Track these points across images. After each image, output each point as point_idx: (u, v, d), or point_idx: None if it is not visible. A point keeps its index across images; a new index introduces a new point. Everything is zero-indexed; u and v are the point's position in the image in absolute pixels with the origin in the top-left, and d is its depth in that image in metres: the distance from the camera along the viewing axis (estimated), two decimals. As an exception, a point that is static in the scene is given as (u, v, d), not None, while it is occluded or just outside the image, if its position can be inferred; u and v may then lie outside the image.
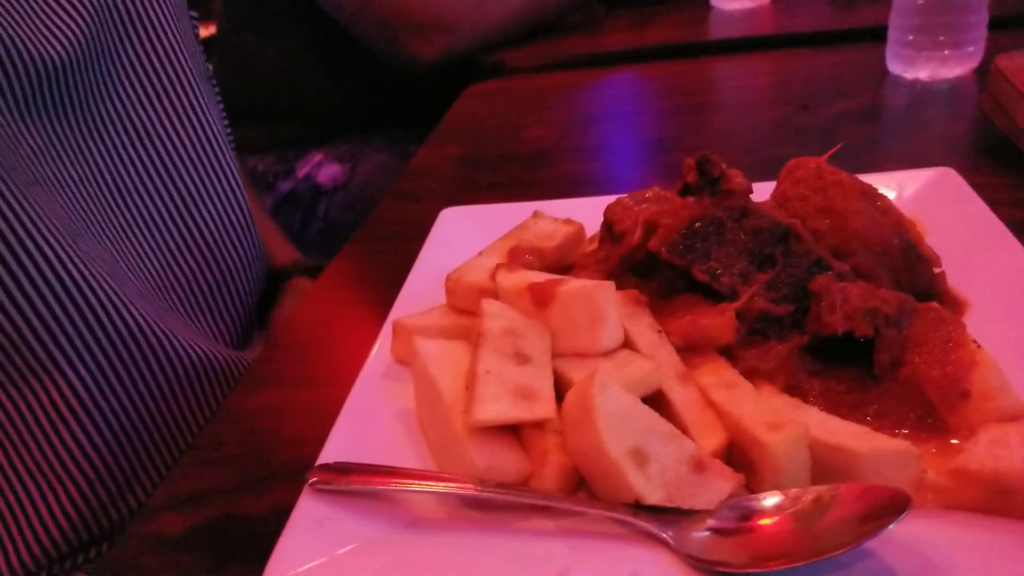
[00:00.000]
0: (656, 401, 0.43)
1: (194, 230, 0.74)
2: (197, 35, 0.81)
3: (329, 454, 0.45)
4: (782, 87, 1.04)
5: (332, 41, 1.23)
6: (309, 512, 0.42)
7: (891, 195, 0.56)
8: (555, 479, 0.41)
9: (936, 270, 0.50)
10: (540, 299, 0.46)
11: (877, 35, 0.96)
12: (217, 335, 0.77)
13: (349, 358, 0.55)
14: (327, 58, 1.27)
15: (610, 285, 0.45)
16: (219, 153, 0.77)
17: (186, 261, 0.74)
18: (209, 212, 0.76)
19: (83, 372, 0.60)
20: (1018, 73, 0.72)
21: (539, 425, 0.42)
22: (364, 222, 0.81)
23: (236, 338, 0.80)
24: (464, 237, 0.65)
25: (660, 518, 0.37)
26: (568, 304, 0.46)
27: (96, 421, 0.61)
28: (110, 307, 0.61)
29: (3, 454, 0.60)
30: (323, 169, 1.25)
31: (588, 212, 0.59)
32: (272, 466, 0.50)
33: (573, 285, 0.46)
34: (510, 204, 0.69)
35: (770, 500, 0.37)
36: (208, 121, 0.76)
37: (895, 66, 0.94)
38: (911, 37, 0.91)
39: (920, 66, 0.92)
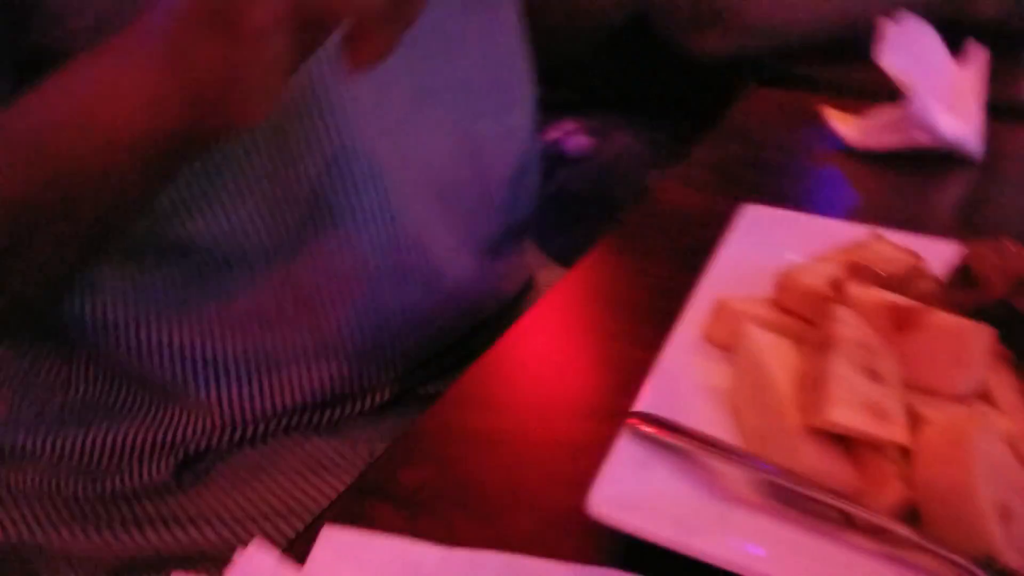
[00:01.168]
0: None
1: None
2: None
3: (642, 404, 0.46)
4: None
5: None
6: (629, 450, 0.43)
7: None
8: (890, 506, 0.40)
9: None
10: (902, 323, 0.45)
11: None
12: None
13: (648, 321, 0.56)
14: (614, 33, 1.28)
15: (987, 330, 0.44)
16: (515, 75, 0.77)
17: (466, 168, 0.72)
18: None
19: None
20: None
21: (878, 448, 0.42)
22: (626, 199, 0.82)
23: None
24: (769, 239, 0.65)
25: None
26: (934, 336, 0.44)
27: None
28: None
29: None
30: (573, 138, 1.27)
31: (920, 249, 0.57)
32: (562, 405, 0.52)
33: (945, 318, 0.45)
34: (823, 217, 0.67)
35: None
36: (513, 43, 0.77)
37: None
38: None
39: None
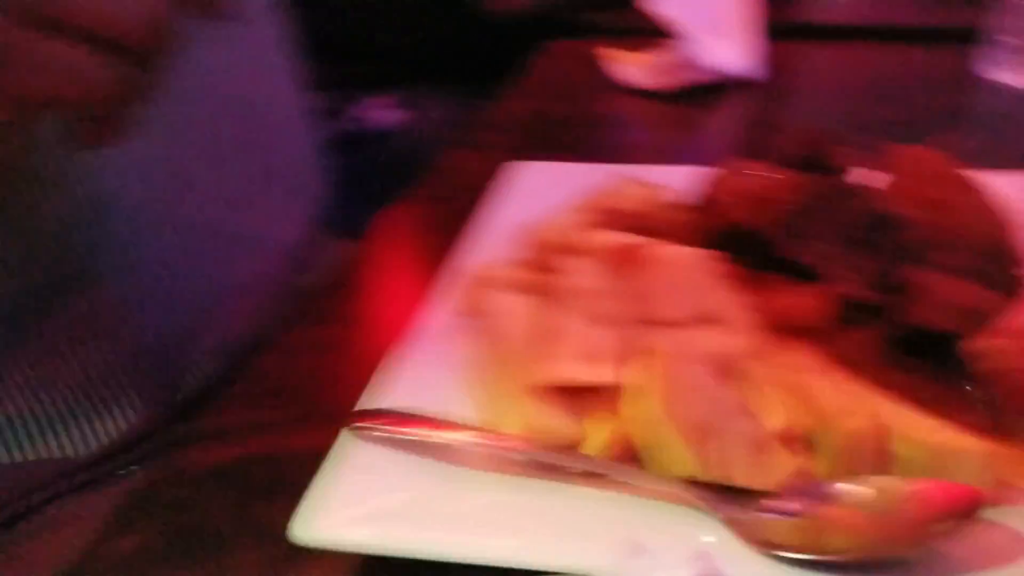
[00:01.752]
0: (733, 377, 0.42)
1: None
2: None
3: (372, 399, 0.44)
4: (871, 79, 1.00)
5: None
6: (346, 456, 0.40)
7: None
8: (606, 447, 0.39)
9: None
10: (630, 261, 0.45)
11: (969, 37, 0.92)
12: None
13: (401, 303, 0.54)
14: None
15: (704, 254, 0.44)
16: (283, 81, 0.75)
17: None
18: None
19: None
20: None
21: (598, 392, 0.41)
22: (424, 169, 0.80)
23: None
24: (532, 193, 0.64)
25: (715, 495, 0.36)
26: (660, 269, 0.44)
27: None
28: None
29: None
30: (385, 113, 1.24)
31: (673, 182, 0.57)
32: (317, 406, 0.49)
33: (668, 250, 0.45)
34: (584, 164, 0.67)
35: (828, 487, 0.36)
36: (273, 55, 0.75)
37: (989, 69, 0.90)
38: (1013, 42, 0.87)
39: (1019, 71, 0.88)
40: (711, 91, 0.91)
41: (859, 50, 1.07)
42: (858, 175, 0.48)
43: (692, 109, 0.90)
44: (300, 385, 0.52)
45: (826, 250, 0.45)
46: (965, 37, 0.92)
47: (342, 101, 1.27)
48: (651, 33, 0.92)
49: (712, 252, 0.48)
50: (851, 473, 0.37)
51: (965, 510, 0.33)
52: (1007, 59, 0.88)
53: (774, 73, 0.97)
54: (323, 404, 0.49)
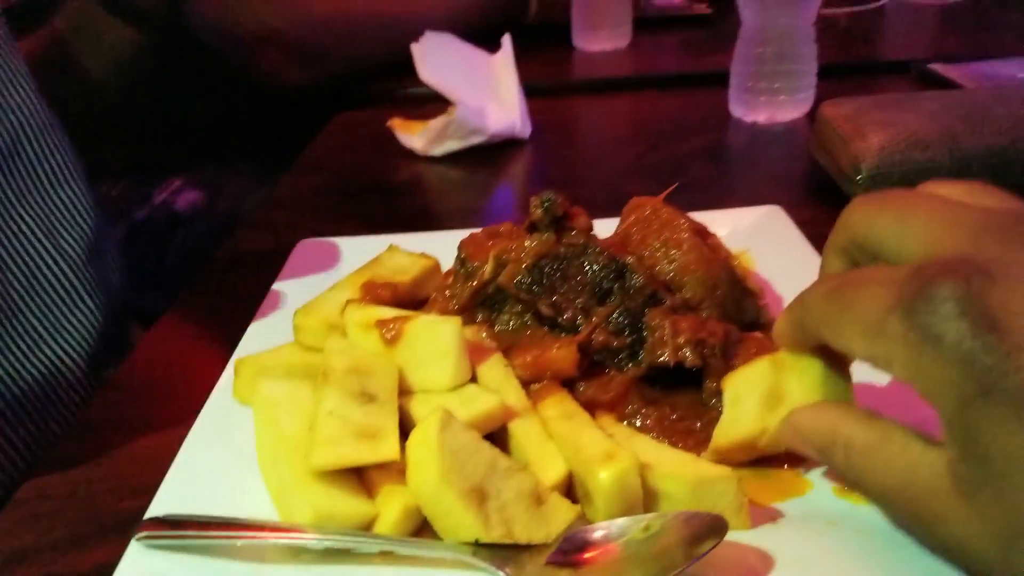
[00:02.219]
0: (501, 435, 0.44)
1: None
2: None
3: (161, 505, 0.43)
4: (636, 126, 1.09)
5: (192, 55, 1.19)
6: (135, 570, 0.39)
7: (724, 231, 0.60)
8: (399, 522, 0.40)
9: (761, 302, 0.54)
10: (389, 335, 0.46)
11: (722, 80, 1.03)
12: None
13: (192, 400, 0.53)
14: (185, 74, 1.22)
15: (456, 320, 0.46)
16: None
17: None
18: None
19: None
20: (839, 119, 0.79)
21: (383, 467, 0.42)
22: (216, 253, 0.79)
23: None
24: (320, 270, 0.65)
25: (500, 555, 0.38)
26: (415, 340, 0.46)
27: None
28: None
29: None
30: (182, 195, 1.20)
31: (446, 246, 0.60)
32: (102, 520, 0.47)
33: (420, 320, 0.46)
34: (368, 237, 0.68)
35: (601, 531, 0.38)
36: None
37: (736, 109, 1.01)
38: (750, 83, 0.98)
39: (759, 110, 0.99)
40: (489, 151, 0.96)
41: (626, 100, 1.17)
42: (593, 228, 0.52)
43: (470, 171, 0.94)
44: (85, 497, 0.49)
45: (568, 302, 0.49)
46: (719, 80, 1.03)
47: (139, 186, 1.23)
48: (437, 100, 0.96)
49: (470, 314, 0.51)
50: (622, 513, 0.40)
51: (713, 534, 0.36)
52: (748, 99, 0.99)
53: (549, 129, 1.03)
54: (108, 516, 0.47)
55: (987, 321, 0.30)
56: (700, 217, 0.58)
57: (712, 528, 0.37)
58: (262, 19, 1.12)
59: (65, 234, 0.74)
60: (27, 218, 0.71)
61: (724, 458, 0.43)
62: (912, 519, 0.35)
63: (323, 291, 0.56)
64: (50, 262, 0.72)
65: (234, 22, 1.12)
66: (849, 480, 0.38)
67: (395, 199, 0.89)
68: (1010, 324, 0.29)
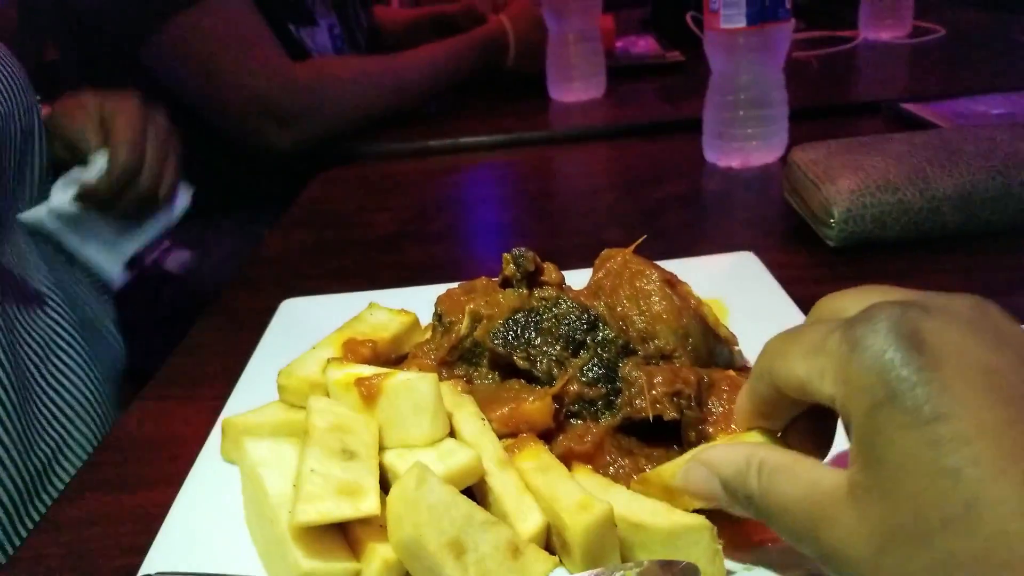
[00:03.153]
0: (479, 488, 0.45)
1: None
2: None
3: (153, 563, 0.44)
4: (612, 174, 1.12)
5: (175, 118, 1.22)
6: None
7: (697, 278, 0.62)
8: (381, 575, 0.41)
9: (735, 348, 0.55)
10: (368, 393, 0.48)
11: (696, 126, 1.06)
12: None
13: (181, 460, 0.54)
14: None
15: (433, 377, 0.47)
16: None
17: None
18: None
19: None
20: (809, 164, 0.82)
21: (366, 522, 0.43)
22: (204, 312, 0.80)
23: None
24: (304, 328, 0.66)
25: None
26: (394, 396, 0.47)
27: None
28: None
29: None
30: (170, 255, 1.22)
31: (425, 301, 0.61)
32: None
33: (398, 378, 0.48)
34: (351, 294, 0.70)
35: None
36: None
37: (710, 155, 1.04)
38: (723, 129, 1.01)
39: (732, 155, 1.02)
40: (465, 203, 0.98)
41: (601, 149, 1.20)
42: (565, 281, 0.54)
43: (448, 223, 0.96)
44: (80, 556, 0.50)
45: (543, 354, 0.50)
46: (694, 126, 1.06)
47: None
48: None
49: (449, 369, 0.52)
50: (599, 563, 0.41)
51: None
52: (721, 145, 1.02)
53: (526, 179, 1.06)
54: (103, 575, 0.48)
55: (915, 340, 0.31)
56: (673, 265, 0.60)
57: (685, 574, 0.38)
58: (244, 85, 1.15)
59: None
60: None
61: (647, 492, 0.44)
62: (805, 527, 0.34)
63: (306, 350, 0.57)
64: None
65: (216, 88, 1.15)
66: (759, 508, 0.37)
67: (377, 255, 0.90)
68: (935, 347, 0.31)
